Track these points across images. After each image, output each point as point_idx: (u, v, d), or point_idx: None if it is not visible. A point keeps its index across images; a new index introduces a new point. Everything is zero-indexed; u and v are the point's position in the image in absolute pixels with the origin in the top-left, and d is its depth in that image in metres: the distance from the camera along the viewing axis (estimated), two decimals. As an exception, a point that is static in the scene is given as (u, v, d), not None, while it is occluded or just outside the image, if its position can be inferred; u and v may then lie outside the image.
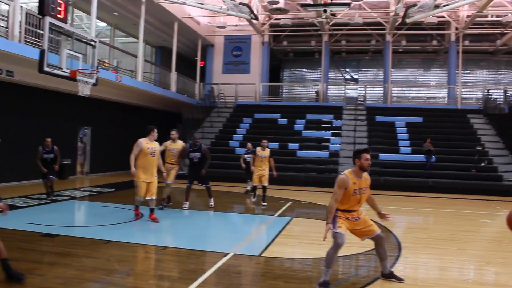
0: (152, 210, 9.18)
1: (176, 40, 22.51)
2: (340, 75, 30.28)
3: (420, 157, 18.53)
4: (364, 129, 21.33)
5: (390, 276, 5.64)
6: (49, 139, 12.31)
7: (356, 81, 29.90)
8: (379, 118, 22.20)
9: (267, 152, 12.28)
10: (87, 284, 5.26)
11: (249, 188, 14.34)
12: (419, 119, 21.86)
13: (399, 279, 5.61)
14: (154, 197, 9.11)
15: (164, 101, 23.05)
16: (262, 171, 12.15)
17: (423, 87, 28.66)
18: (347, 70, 30.29)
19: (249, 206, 12.34)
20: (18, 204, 10.85)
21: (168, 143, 11.07)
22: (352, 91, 27.95)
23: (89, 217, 10.54)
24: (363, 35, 26.22)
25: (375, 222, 6.03)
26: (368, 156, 5.48)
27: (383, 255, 5.66)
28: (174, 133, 11.18)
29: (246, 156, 14.22)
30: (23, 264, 5.90)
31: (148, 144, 8.92)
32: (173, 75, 22.62)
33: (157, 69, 23.53)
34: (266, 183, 12.15)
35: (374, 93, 27.93)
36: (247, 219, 10.48)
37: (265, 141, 12.52)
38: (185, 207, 10.92)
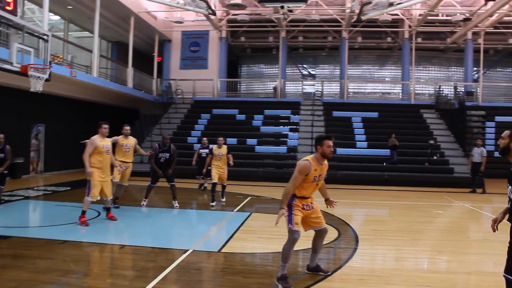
0: (109, 209, 9.03)
1: (133, 35, 22.14)
2: (298, 71, 30.59)
3: (376, 151, 19.02)
4: (321, 124, 21.63)
5: (316, 269, 5.71)
6: (1, 135, 11.02)
7: (313, 77, 30.28)
8: (336, 114, 22.57)
9: (224, 149, 11.85)
10: (42, 286, 5.13)
11: (206, 185, 14.20)
12: (374, 114, 22.38)
13: (325, 272, 5.69)
14: (110, 197, 8.92)
15: (120, 97, 22.64)
16: (221, 171, 11.75)
17: (378, 83, 29.41)
18: (305, 66, 30.65)
19: (207, 202, 12.31)
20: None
21: (120, 138, 10.46)
22: (310, 87, 28.27)
23: (44, 217, 10.26)
24: (320, 31, 26.59)
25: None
26: (330, 143, 5.45)
27: (318, 248, 5.72)
28: (127, 128, 10.65)
29: (201, 151, 14.05)
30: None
31: (102, 141, 8.51)
32: (130, 71, 22.24)
33: (113, 65, 23.07)
34: (225, 183, 12.05)
35: (331, 89, 28.39)
36: (206, 216, 10.46)
37: (221, 138, 12.06)
38: (143, 204, 10.78)
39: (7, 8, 11.47)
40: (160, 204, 11.84)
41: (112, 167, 9.17)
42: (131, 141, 10.61)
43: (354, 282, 5.49)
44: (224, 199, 12.03)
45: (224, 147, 11.97)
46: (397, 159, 18.51)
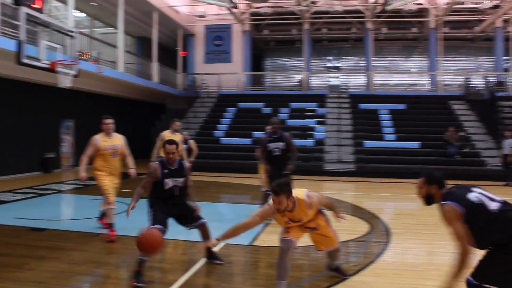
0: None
1: (157, 30, 22.22)
2: (322, 63, 30.32)
3: (405, 144, 18.70)
4: (348, 117, 21.40)
5: (336, 270, 5.22)
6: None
7: (338, 69, 29.97)
8: (362, 106, 22.28)
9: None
10: (78, 277, 5.18)
11: None
12: (402, 106, 22.00)
13: (344, 274, 5.20)
14: None
15: (146, 92, 22.79)
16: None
17: (405, 74, 28.88)
18: (329, 58, 30.33)
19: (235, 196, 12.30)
20: (3, 199, 10.66)
21: (166, 133, 10.00)
22: (335, 79, 27.99)
23: (76, 210, 10.40)
24: (343, 23, 26.21)
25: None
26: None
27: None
28: (178, 124, 10.06)
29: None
30: (12, 259, 5.80)
31: (105, 141, 6.97)
32: (155, 66, 22.35)
33: (138, 60, 23.21)
34: None
35: (357, 81, 28.01)
36: (235, 209, 10.44)
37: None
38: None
39: (34, 6, 11.61)
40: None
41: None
42: (178, 137, 9.97)
43: (388, 277, 5.37)
44: None
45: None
46: (457, 152, 17.98)
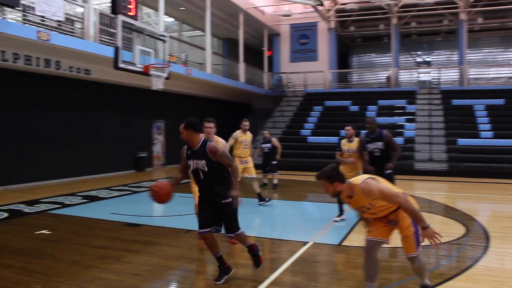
0: None
1: (243, 31, 22.57)
2: (411, 59, 29.20)
3: (504, 141, 17.43)
4: (440, 114, 20.37)
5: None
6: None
7: (428, 64, 28.71)
8: (455, 102, 21.12)
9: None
10: (172, 271, 5.36)
11: (266, 181, 13.49)
12: (500, 101, 20.55)
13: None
14: None
15: (233, 92, 23.25)
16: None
17: (504, 66, 26.95)
18: (419, 53, 29.14)
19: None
20: (101, 196, 11.37)
21: (238, 133, 10.19)
22: (425, 75, 26.82)
23: (168, 207, 10.75)
24: (434, 15, 24.94)
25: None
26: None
27: None
28: (247, 124, 10.28)
29: (263, 145, 13.39)
30: (110, 251, 6.14)
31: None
32: (241, 66, 22.74)
33: (225, 61, 23.72)
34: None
35: (449, 76, 26.58)
36: (322, 208, 10.30)
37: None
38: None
39: (129, 13, 12.23)
40: (275, 196, 11.92)
41: None
42: (249, 137, 10.38)
43: (489, 283, 5.00)
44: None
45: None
46: None
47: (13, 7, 10.53)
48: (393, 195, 4.05)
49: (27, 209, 9.45)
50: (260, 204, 10.05)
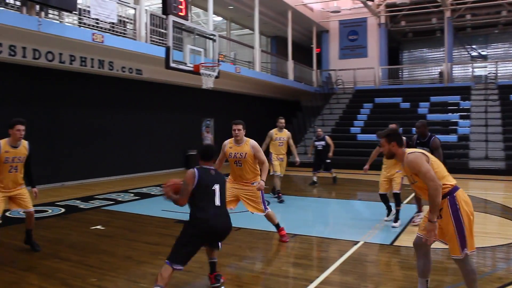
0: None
1: (291, 29, 22.49)
2: (466, 53, 28.21)
3: None
4: (497, 110, 19.56)
5: None
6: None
7: (484, 58, 27.64)
8: (514, 97, 20.25)
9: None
10: (223, 269, 5.38)
11: (315, 179, 13.31)
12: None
13: None
14: None
15: (282, 90, 23.22)
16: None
17: None
18: (474, 46, 28.10)
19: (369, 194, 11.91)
20: (153, 193, 11.63)
21: (274, 131, 10.46)
22: (480, 69, 25.81)
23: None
24: (491, 6, 23.93)
25: None
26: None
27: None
28: (282, 121, 10.44)
29: (317, 143, 13.32)
30: (162, 248, 6.24)
31: (231, 149, 6.57)
32: (290, 64, 22.67)
33: (274, 59, 23.72)
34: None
35: (507, 70, 25.49)
36: (373, 207, 10.11)
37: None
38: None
39: (180, 14, 12.40)
40: (325, 194, 11.82)
41: None
42: (285, 134, 10.50)
43: None
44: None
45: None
46: None
47: (70, 11, 10.94)
48: (429, 176, 3.91)
49: (82, 205, 9.79)
50: (274, 197, 10.23)
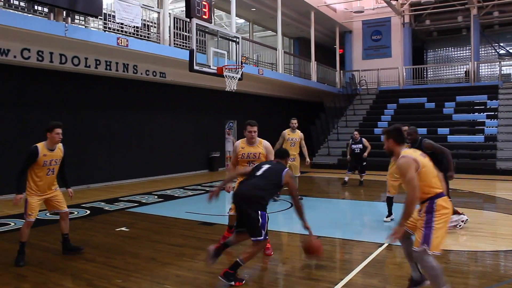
0: None
1: (314, 30, 22.41)
2: (493, 51, 27.66)
3: None
4: (526, 109, 19.17)
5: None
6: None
7: (512, 56, 27.08)
8: (543, 96, 19.79)
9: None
10: (247, 271, 5.39)
11: (346, 179, 13.39)
12: None
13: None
14: None
15: (305, 91, 23.17)
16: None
17: None
18: (501, 44, 27.54)
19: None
20: (176, 195, 11.74)
21: (286, 131, 10.47)
22: (509, 67, 25.26)
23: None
24: (520, 2, 23.45)
25: None
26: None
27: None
28: (295, 122, 10.45)
29: (354, 146, 13.32)
30: (186, 249, 6.31)
31: (244, 149, 6.61)
32: (313, 65, 22.59)
33: (296, 60, 23.68)
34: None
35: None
36: (397, 209, 9.98)
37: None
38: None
39: (204, 17, 12.46)
40: (347, 196, 11.74)
41: None
42: (297, 135, 10.49)
43: None
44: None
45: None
46: None
47: (96, 17, 11.14)
48: (411, 185, 4.07)
49: (107, 207, 9.94)
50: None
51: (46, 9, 10.31)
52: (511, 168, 15.91)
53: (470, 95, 21.32)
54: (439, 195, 4.17)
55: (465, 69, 25.38)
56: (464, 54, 27.50)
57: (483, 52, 26.85)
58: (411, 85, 24.69)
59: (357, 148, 13.16)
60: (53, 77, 12.13)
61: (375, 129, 20.30)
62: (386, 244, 6.42)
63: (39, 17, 10.23)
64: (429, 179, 4.17)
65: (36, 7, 10.41)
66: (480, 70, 24.94)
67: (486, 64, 26.63)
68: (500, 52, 27.30)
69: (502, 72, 23.96)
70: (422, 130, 17.90)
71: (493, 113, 19.53)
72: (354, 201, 11.16)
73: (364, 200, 11.33)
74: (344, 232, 7.65)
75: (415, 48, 26.68)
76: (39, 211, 5.98)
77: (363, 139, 13.35)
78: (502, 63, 25.00)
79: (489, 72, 26.21)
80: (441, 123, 19.57)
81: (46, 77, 11.99)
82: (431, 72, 28.53)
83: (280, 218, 8.56)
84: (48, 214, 6.11)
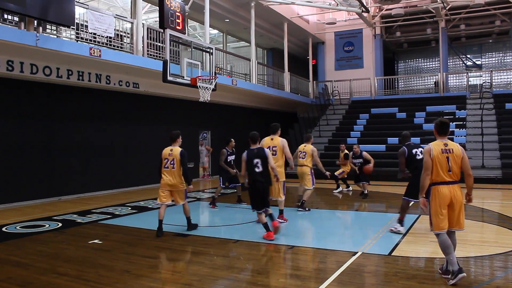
0: (281, 212, 9.16)
1: (287, 41, 22.63)
2: (461, 63, 28.41)
3: None
4: (492, 119, 19.65)
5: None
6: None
7: (479, 67, 27.84)
8: (510, 106, 20.33)
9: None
10: (222, 281, 5.39)
11: (366, 191, 13.11)
12: (559, 104, 19.65)
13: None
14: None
15: (278, 102, 23.31)
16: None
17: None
18: (468, 56, 28.32)
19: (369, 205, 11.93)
20: (149, 206, 11.61)
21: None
22: (476, 78, 25.98)
23: (216, 218, 10.88)
24: (485, 16, 24.18)
25: None
26: None
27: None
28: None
29: (355, 161, 13.20)
30: (160, 261, 6.26)
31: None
32: (286, 75, 22.79)
33: (270, 71, 23.85)
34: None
35: (502, 79, 25.65)
36: (370, 218, 10.13)
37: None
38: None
39: (177, 27, 12.48)
40: (323, 206, 11.82)
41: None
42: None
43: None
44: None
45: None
46: None
47: (68, 26, 11.01)
48: (425, 166, 5.53)
49: (79, 219, 9.77)
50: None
51: (16, 18, 10.15)
52: (480, 176, 16.25)
53: (439, 105, 21.83)
54: (436, 184, 5.51)
55: (434, 80, 25.96)
56: (434, 65, 28.16)
57: (451, 63, 27.57)
58: (383, 95, 25.13)
59: (357, 162, 13.07)
60: (23, 87, 11.90)
61: (348, 138, 20.53)
62: (360, 253, 6.50)
63: (9, 26, 10.05)
64: (439, 168, 5.58)
65: (6, 16, 10.23)
66: (449, 81, 25.55)
67: (454, 75, 27.32)
68: (467, 64, 28.05)
69: (469, 82, 24.60)
70: (394, 140, 18.26)
71: (461, 122, 20.00)
72: (327, 210, 11.20)
73: (338, 209, 11.44)
74: (318, 242, 7.70)
75: (386, 59, 27.19)
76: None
77: (364, 152, 13.17)
78: (469, 74, 25.68)
79: (458, 83, 26.88)
80: (412, 132, 19.77)
81: (16, 88, 11.76)
82: (402, 83, 29.11)
83: (257, 229, 8.56)
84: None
